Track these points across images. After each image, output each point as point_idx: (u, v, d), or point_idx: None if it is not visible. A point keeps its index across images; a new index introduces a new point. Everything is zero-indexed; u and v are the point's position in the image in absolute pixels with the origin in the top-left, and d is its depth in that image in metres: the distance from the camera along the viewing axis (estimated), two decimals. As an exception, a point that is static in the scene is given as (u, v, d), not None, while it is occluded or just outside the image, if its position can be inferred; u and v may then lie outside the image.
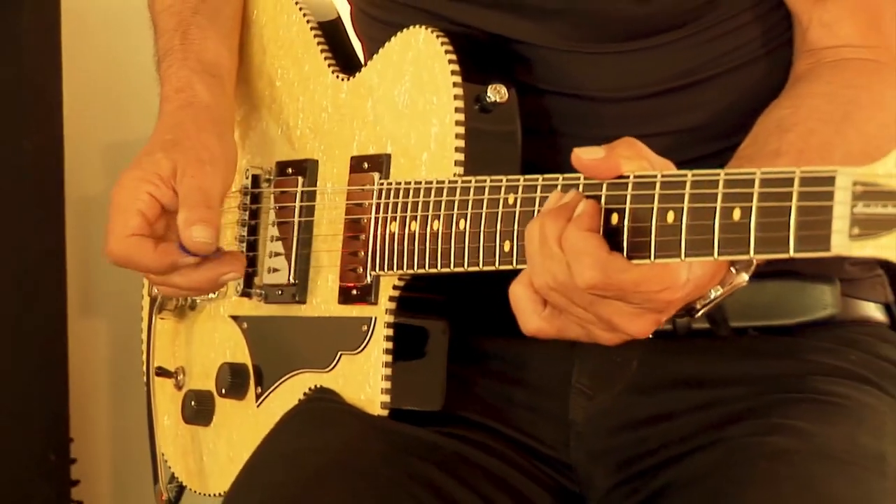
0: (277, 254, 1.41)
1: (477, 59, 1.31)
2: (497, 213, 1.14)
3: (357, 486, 1.24)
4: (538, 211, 1.10)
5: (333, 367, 1.35)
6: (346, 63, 1.44)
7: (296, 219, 1.41)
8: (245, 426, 1.45)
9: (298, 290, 1.39)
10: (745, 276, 1.06)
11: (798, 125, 1.21)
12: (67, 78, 2.52)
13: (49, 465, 2.43)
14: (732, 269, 1.06)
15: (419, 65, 1.32)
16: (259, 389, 1.45)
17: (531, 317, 1.08)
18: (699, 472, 1.23)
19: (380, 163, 1.33)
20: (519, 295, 1.09)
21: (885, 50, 1.31)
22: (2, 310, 2.36)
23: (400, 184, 1.28)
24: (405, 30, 1.32)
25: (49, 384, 2.45)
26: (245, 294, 1.41)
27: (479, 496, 1.27)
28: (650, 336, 1.11)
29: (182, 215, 1.29)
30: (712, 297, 1.07)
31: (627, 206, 1.03)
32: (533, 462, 1.34)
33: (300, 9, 1.50)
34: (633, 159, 1.04)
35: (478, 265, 1.18)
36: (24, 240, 2.40)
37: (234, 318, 1.45)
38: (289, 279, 1.40)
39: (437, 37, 1.27)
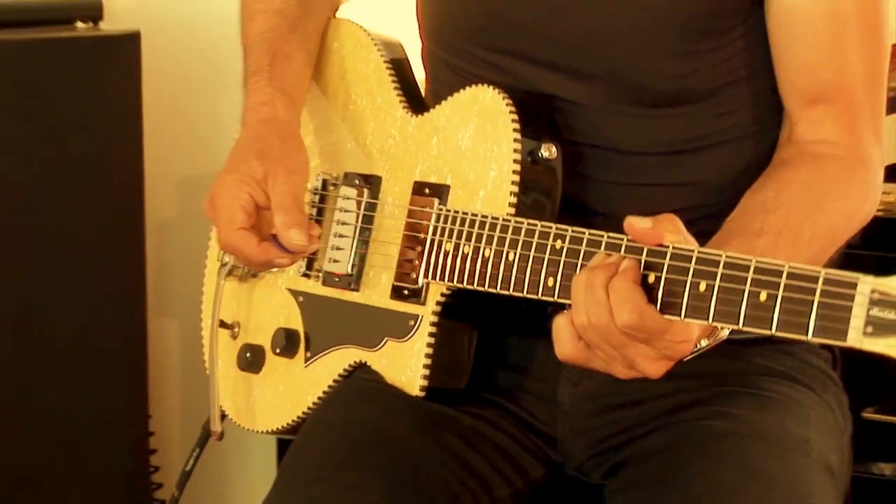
0: (338, 248, 1.58)
1: (532, 118, 1.47)
2: (544, 255, 1.31)
3: (394, 452, 1.45)
4: (581, 258, 1.28)
5: (379, 349, 1.53)
6: (413, 100, 1.61)
7: (358, 224, 1.57)
8: (292, 381, 1.64)
9: (353, 280, 1.56)
10: (727, 332, 1.25)
11: (779, 209, 1.41)
12: (147, 116, 2.55)
13: (131, 437, 2.60)
14: (718, 325, 1.24)
15: (484, 117, 1.48)
16: (308, 354, 1.62)
17: (566, 345, 1.25)
18: (655, 449, 1.45)
19: (440, 191, 1.51)
20: (560, 327, 1.25)
21: (857, 150, 1.52)
22: (93, 313, 2.47)
23: (458, 212, 1.44)
24: (475, 86, 1.46)
25: (131, 378, 2.59)
26: (305, 275, 1.57)
27: (487, 461, 1.50)
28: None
29: (279, 218, 1.46)
30: (702, 346, 1.25)
31: (664, 270, 1.21)
32: (528, 435, 1.56)
33: (378, 50, 1.67)
34: (673, 232, 1.22)
35: (521, 292, 1.35)
36: (109, 258, 2.50)
37: (291, 291, 1.63)
38: (347, 270, 1.56)
39: (503, 97, 1.44)
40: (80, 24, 2.49)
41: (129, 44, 2.50)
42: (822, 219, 1.45)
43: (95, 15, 2.49)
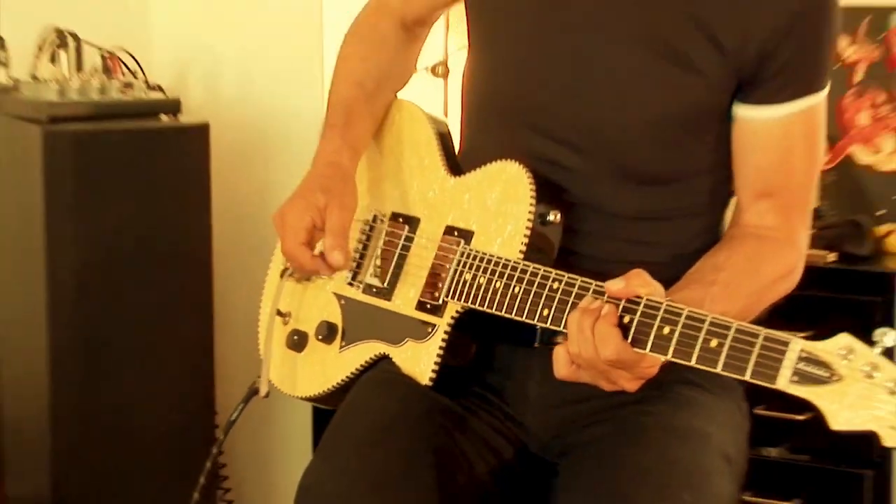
0: (378, 267, 1.88)
1: (545, 190, 1.72)
2: (543, 292, 1.59)
3: (408, 435, 1.73)
4: (572, 298, 1.55)
5: (401, 346, 1.80)
6: (452, 165, 1.89)
7: (397, 251, 1.86)
8: (327, 362, 1.90)
9: (387, 292, 1.84)
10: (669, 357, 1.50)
11: (728, 269, 1.68)
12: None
13: (199, 405, 2.86)
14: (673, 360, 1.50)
15: (508, 185, 1.75)
16: (343, 343, 1.89)
17: (563, 367, 1.51)
18: (597, 436, 1.72)
19: (466, 235, 1.78)
20: (560, 354, 1.52)
21: (789, 237, 1.79)
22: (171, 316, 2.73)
23: (478, 252, 1.72)
24: (503, 160, 1.75)
25: (201, 368, 2.83)
26: (350, 283, 1.85)
27: (472, 445, 1.76)
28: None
29: (329, 241, 1.75)
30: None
31: (637, 314, 1.47)
32: (504, 422, 1.83)
33: (430, 124, 1.96)
34: (644, 285, 1.48)
35: (521, 317, 1.61)
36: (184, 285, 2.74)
37: (336, 294, 1.89)
38: (383, 284, 1.85)
39: (526, 172, 1.71)
40: (163, 117, 2.77)
41: (200, 132, 2.77)
42: (757, 281, 1.71)
43: (175, 109, 2.79)
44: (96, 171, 2.65)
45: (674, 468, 1.68)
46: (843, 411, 1.40)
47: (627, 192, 1.82)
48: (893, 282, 2.53)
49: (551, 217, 1.74)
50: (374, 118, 2.04)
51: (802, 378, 1.39)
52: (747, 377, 1.40)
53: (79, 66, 2.77)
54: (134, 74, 2.88)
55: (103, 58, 2.81)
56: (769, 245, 1.80)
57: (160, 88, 2.89)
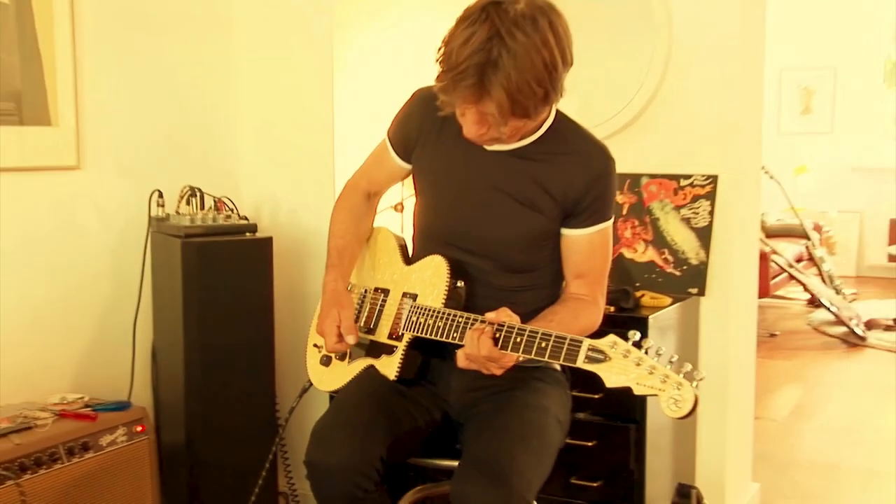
0: (367, 316, 2.47)
1: (456, 271, 2.33)
2: (454, 323, 2.21)
3: (376, 401, 2.33)
4: (470, 325, 2.13)
5: (379, 359, 2.38)
6: (405, 259, 2.49)
7: (378, 307, 2.44)
8: (342, 371, 2.48)
9: (372, 330, 2.43)
10: (523, 357, 2.06)
11: (558, 314, 2.24)
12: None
13: (264, 398, 3.34)
14: (523, 356, 2.06)
15: (436, 269, 2.35)
16: (349, 360, 2.47)
17: (461, 361, 2.11)
18: (484, 409, 2.29)
19: (414, 296, 2.37)
20: (460, 353, 2.10)
21: (593, 300, 2.34)
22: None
23: (421, 305, 2.31)
24: (433, 256, 2.35)
25: (264, 371, 3.30)
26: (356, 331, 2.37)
27: (415, 408, 2.37)
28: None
29: (343, 332, 2.35)
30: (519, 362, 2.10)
31: (503, 332, 2.06)
32: (435, 399, 2.43)
33: (395, 239, 2.56)
34: (508, 317, 2.08)
35: (443, 338, 2.21)
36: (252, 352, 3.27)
37: None
38: (370, 326, 2.43)
39: (444, 261, 2.33)
40: (247, 234, 3.25)
41: (266, 243, 3.27)
42: (575, 323, 2.22)
43: (253, 230, 3.29)
44: (210, 265, 3.10)
45: (526, 426, 2.21)
46: (611, 376, 1.93)
47: (503, 275, 2.37)
48: (647, 322, 2.94)
49: (460, 284, 2.33)
50: (360, 243, 2.55)
51: (590, 360, 1.97)
52: (561, 361, 2.00)
53: (201, 206, 3.22)
54: (231, 210, 3.32)
55: (215, 201, 3.26)
56: (582, 304, 2.33)
57: (246, 218, 3.34)
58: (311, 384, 2.58)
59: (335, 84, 3.48)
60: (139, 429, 2.99)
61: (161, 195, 3.27)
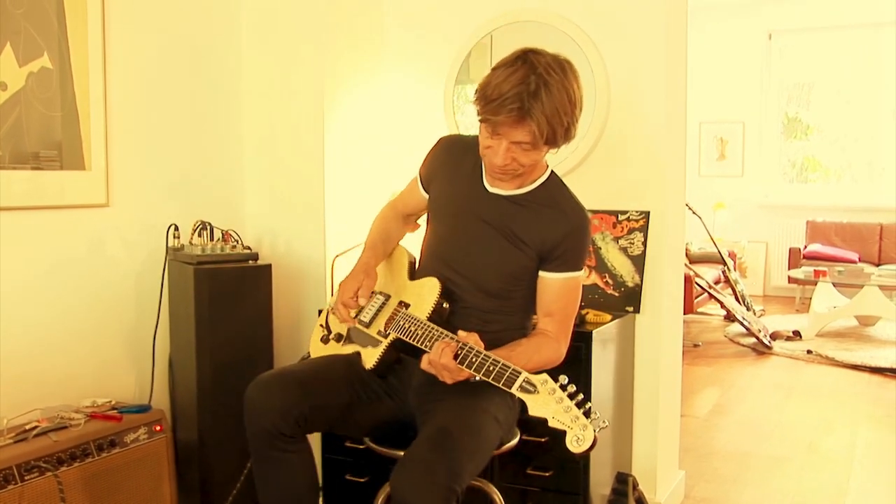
0: (367, 313, 2.51)
1: (446, 294, 2.37)
2: (430, 334, 2.23)
3: (342, 372, 2.37)
4: (441, 338, 2.17)
5: (365, 348, 2.43)
6: (411, 275, 2.53)
7: (377, 307, 2.48)
8: (332, 349, 2.55)
9: (368, 325, 2.47)
10: (477, 378, 2.09)
11: (522, 345, 2.26)
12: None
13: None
14: (476, 375, 2.09)
15: (431, 288, 2.38)
16: (343, 343, 2.52)
17: (424, 363, 2.16)
18: (434, 407, 2.27)
19: (407, 306, 2.39)
20: (424, 358, 2.16)
21: (557, 337, 2.33)
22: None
23: (410, 314, 2.34)
24: (430, 277, 2.39)
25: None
26: (355, 319, 2.47)
27: (377, 396, 2.41)
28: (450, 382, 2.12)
29: (360, 294, 2.41)
30: (472, 380, 2.12)
31: (464, 351, 2.11)
32: (398, 393, 2.45)
33: (407, 256, 2.60)
34: (475, 342, 2.12)
35: (418, 344, 2.25)
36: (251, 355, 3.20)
37: (349, 325, 2.52)
38: (367, 321, 2.47)
39: (438, 283, 2.36)
40: (250, 262, 3.23)
41: (267, 270, 3.26)
42: (536, 354, 2.25)
43: (255, 258, 3.28)
44: (219, 290, 3.10)
45: (463, 425, 2.18)
46: (535, 407, 1.97)
47: (482, 297, 2.39)
48: (591, 336, 2.95)
49: (445, 305, 2.36)
50: (385, 251, 2.62)
51: (522, 389, 2.02)
52: (500, 385, 2.05)
53: (211, 237, 3.23)
54: (236, 241, 3.32)
55: (222, 233, 3.27)
56: (545, 340, 2.34)
57: (249, 248, 3.32)
58: (309, 355, 2.60)
59: (325, 139, 3.54)
60: (158, 428, 2.99)
61: (177, 228, 3.29)
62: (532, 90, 2.07)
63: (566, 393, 1.93)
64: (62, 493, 2.60)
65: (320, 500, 3.39)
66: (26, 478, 2.54)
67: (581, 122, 2.21)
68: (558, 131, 2.13)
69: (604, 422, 1.93)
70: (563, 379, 1.96)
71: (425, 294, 2.36)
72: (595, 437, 1.88)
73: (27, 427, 2.69)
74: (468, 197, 2.38)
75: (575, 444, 1.90)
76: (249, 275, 3.20)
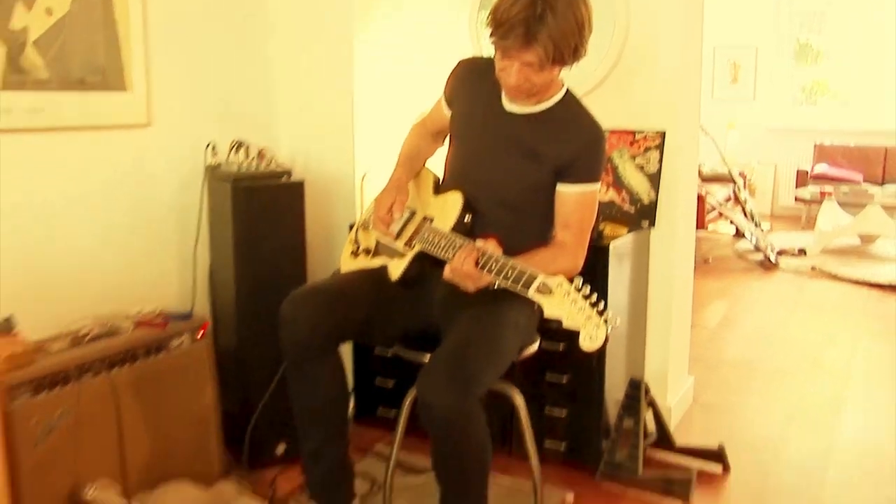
0: (398, 228, 2.50)
1: (468, 207, 2.36)
2: (452, 244, 2.23)
3: (370, 285, 2.39)
4: (463, 247, 2.17)
5: (392, 259, 2.45)
6: (437, 189, 2.53)
7: (403, 221, 2.49)
8: (361, 261, 2.57)
9: (396, 239, 2.48)
10: (497, 284, 2.07)
11: (539, 254, 2.26)
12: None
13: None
14: (497, 281, 2.07)
15: (454, 202, 2.39)
16: (373, 255, 2.54)
17: (447, 272, 2.16)
18: (459, 315, 2.26)
19: (431, 219, 2.41)
20: (447, 268, 2.16)
21: (574, 249, 2.34)
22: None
23: (435, 227, 2.36)
24: (453, 191, 2.40)
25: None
26: (384, 234, 2.45)
27: (406, 304, 2.43)
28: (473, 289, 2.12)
29: (394, 209, 2.41)
30: (495, 286, 2.09)
31: (485, 258, 2.11)
32: (425, 302, 2.45)
33: (432, 175, 2.60)
34: (494, 247, 2.12)
35: (440, 255, 2.26)
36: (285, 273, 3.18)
37: (377, 238, 2.54)
38: (395, 234, 2.48)
39: (461, 196, 2.37)
40: (283, 178, 3.18)
41: (298, 187, 3.22)
42: (553, 264, 2.19)
43: (289, 174, 3.20)
44: (255, 206, 3.09)
45: (484, 332, 2.21)
46: (551, 308, 1.96)
47: (501, 210, 2.39)
48: (608, 249, 2.98)
49: (467, 218, 2.37)
50: (417, 162, 2.64)
51: (539, 291, 1.99)
52: (518, 288, 2.02)
53: (247, 155, 3.21)
54: (270, 159, 3.27)
55: (258, 151, 3.24)
56: (562, 251, 2.34)
57: (282, 166, 3.29)
58: (340, 270, 2.62)
59: (354, 60, 3.50)
60: (200, 334, 3.00)
61: (214, 147, 3.28)
62: (538, 14, 2.06)
63: (580, 294, 1.93)
64: (114, 392, 2.66)
65: (351, 404, 3.45)
66: (82, 378, 2.59)
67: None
68: (566, 52, 2.12)
69: (616, 320, 1.93)
70: (578, 281, 1.95)
71: (448, 208, 2.37)
72: (607, 335, 1.89)
73: (81, 333, 2.72)
74: (487, 116, 2.37)
75: (588, 342, 1.91)
76: (283, 191, 3.17)
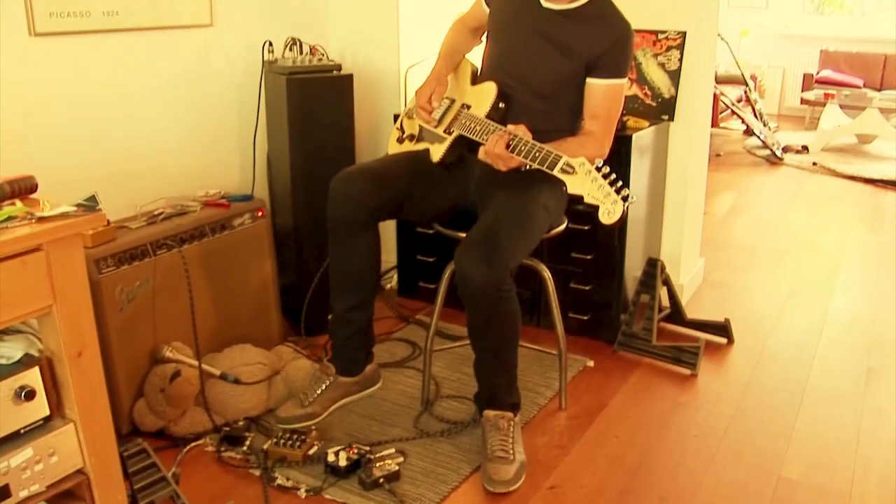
0: (439, 115, 2.43)
1: (502, 95, 2.31)
2: (487, 129, 2.20)
3: (414, 164, 2.36)
4: (496, 131, 2.12)
5: (433, 144, 2.40)
6: (475, 79, 2.45)
7: (445, 109, 2.43)
8: (406, 146, 2.51)
9: (437, 125, 2.42)
10: (526, 163, 2.03)
11: (568, 141, 2.22)
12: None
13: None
14: (527, 162, 2.03)
15: (489, 90, 2.33)
16: (415, 142, 2.48)
17: (481, 153, 2.12)
18: (494, 196, 2.24)
19: (469, 107, 2.34)
20: (481, 150, 2.13)
21: (601, 137, 2.29)
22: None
23: (471, 114, 2.31)
24: (490, 82, 2.33)
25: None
26: (426, 121, 2.42)
27: (446, 183, 2.40)
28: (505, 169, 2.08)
29: (434, 98, 2.38)
30: (524, 168, 2.05)
31: (514, 141, 2.07)
32: (463, 183, 2.42)
33: (470, 66, 2.51)
34: (524, 132, 2.07)
35: (477, 138, 2.22)
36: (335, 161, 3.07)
37: (420, 124, 2.50)
38: (437, 120, 2.43)
39: (495, 85, 2.31)
40: (334, 72, 3.06)
41: (347, 80, 3.12)
42: (581, 150, 2.11)
43: (339, 69, 3.07)
44: (308, 97, 2.99)
45: (516, 211, 2.19)
46: (573, 186, 1.94)
47: (538, 100, 2.33)
48: (631, 140, 2.90)
49: (501, 105, 2.31)
50: (458, 55, 2.55)
51: (562, 171, 1.97)
52: (545, 167, 1.99)
53: (300, 51, 3.12)
54: (322, 55, 3.15)
55: (310, 48, 3.14)
56: (590, 139, 2.30)
57: (333, 60, 3.16)
58: (387, 154, 2.55)
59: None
60: (260, 214, 2.94)
61: (271, 44, 3.19)
62: None
63: (600, 174, 1.90)
64: (185, 266, 2.65)
65: (395, 278, 3.52)
66: (157, 252, 2.59)
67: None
68: None
69: (632, 198, 1.90)
70: (599, 162, 1.91)
71: (484, 96, 2.31)
72: (624, 211, 1.86)
73: (155, 213, 2.70)
74: (523, 12, 2.30)
75: (606, 217, 1.87)
76: (334, 84, 3.08)
